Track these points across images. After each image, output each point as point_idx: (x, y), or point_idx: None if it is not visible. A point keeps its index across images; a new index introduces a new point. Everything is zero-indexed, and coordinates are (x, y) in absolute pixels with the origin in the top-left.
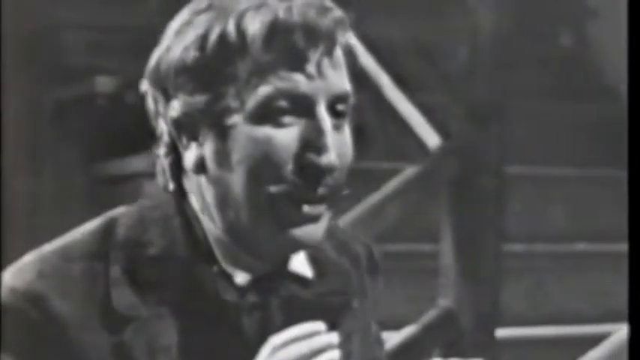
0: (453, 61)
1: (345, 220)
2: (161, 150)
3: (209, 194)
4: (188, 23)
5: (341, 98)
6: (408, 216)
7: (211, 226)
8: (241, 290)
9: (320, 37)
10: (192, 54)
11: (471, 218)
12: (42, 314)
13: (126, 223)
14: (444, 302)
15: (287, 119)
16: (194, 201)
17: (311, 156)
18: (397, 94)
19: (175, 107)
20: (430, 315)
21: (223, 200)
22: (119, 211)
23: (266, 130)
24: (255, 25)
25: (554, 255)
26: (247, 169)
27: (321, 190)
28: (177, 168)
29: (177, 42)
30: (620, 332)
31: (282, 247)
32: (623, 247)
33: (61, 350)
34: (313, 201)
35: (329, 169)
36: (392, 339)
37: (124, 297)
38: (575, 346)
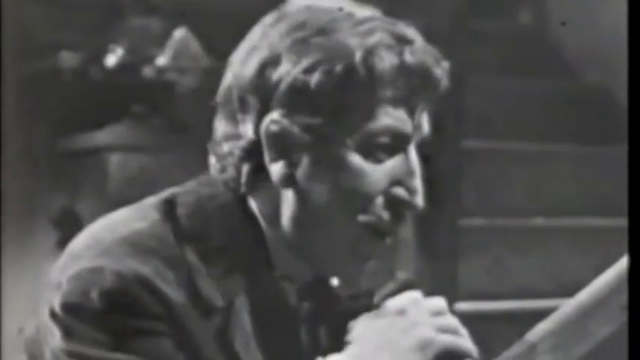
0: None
1: None
2: (238, 151)
3: (290, 206)
4: (303, 42)
5: (425, 140)
6: None
7: (269, 230)
8: (299, 294)
9: (433, 84)
10: (318, 78)
11: (428, 192)
12: (156, 299)
13: (185, 211)
14: (403, 275)
15: (383, 155)
16: (253, 202)
17: (400, 192)
18: None
19: (277, 121)
20: (388, 287)
21: (306, 217)
22: (172, 193)
23: (363, 163)
24: (384, 64)
25: (514, 230)
26: (341, 197)
27: (401, 224)
28: (254, 173)
29: (291, 58)
30: (568, 303)
31: (348, 270)
32: (581, 221)
33: (173, 335)
34: (393, 233)
35: (417, 209)
36: None
37: (206, 286)
38: (533, 320)
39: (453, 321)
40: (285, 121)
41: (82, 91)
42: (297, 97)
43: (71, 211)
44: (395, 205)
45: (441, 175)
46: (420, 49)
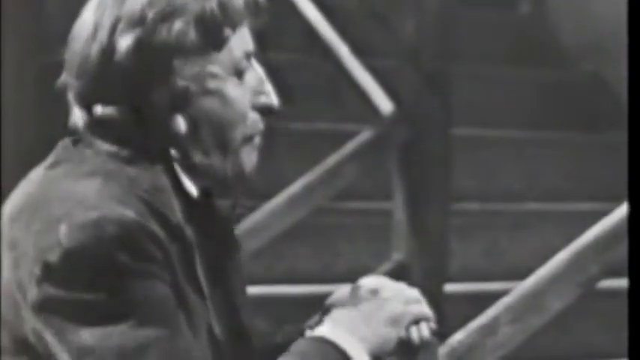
0: (404, 27)
1: (307, 179)
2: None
3: (191, 143)
4: (170, 3)
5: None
6: (366, 175)
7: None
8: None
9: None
10: (191, 37)
11: (420, 178)
12: (154, 243)
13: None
14: (398, 256)
15: (244, 74)
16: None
17: (261, 99)
18: (354, 62)
19: (173, 83)
20: (384, 268)
21: (204, 148)
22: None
23: (239, 86)
24: (236, 3)
25: (507, 213)
26: (229, 120)
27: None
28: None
29: (165, 25)
30: (527, 280)
31: (234, 173)
32: (572, 206)
33: (165, 277)
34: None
35: (275, 108)
36: None
37: (171, 215)
38: None
39: (415, 292)
40: (176, 81)
41: None
42: (181, 58)
43: None
44: (261, 111)
45: (431, 161)
46: None
